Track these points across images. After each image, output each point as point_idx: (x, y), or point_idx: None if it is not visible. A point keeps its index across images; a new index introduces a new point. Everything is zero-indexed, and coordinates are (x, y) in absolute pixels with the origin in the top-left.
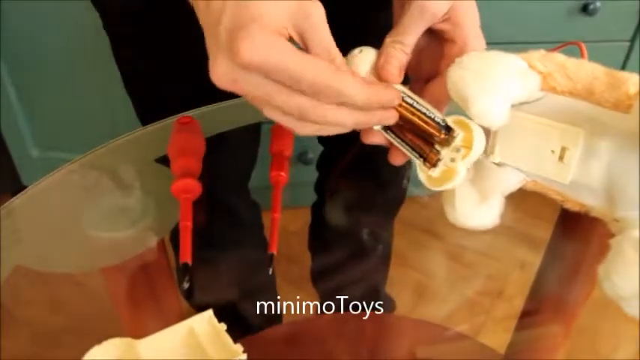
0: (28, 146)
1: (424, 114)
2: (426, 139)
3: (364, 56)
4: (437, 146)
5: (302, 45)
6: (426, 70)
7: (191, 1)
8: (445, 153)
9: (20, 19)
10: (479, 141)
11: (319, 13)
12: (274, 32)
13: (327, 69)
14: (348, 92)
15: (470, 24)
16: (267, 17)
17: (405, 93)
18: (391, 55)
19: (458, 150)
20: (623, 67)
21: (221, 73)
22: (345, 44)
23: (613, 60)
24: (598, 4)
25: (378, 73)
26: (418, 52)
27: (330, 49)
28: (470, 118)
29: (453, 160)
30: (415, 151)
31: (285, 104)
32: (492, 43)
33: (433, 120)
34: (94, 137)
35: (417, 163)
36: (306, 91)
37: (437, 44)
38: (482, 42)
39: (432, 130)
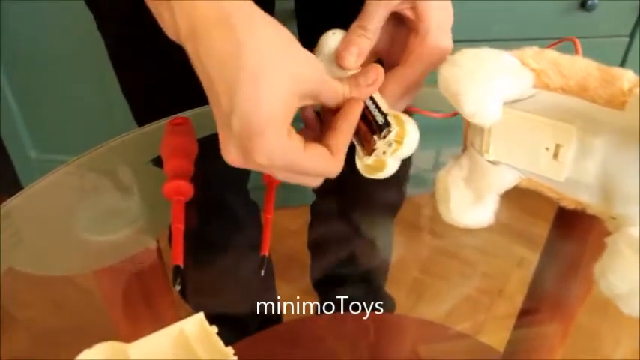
0: (26, 148)
1: (373, 104)
2: (370, 128)
3: (334, 38)
4: (375, 136)
5: (315, 101)
6: (396, 55)
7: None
8: (380, 145)
9: (19, 22)
10: (411, 140)
11: (321, 73)
12: (287, 131)
13: (326, 161)
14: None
15: (434, 18)
16: (281, 115)
17: None
18: (351, 42)
19: (390, 144)
20: (622, 63)
21: (234, 159)
22: None
23: (612, 56)
24: (596, 0)
25: (337, 57)
26: (389, 39)
27: (337, 90)
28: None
29: (384, 152)
30: (358, 136)
31: (291, 181)
32: (490, 40)
33: (378, 112)
34: (93, 139)
35: (357, 148)
36: (312, 178)
37: (406, 33)
38: (448, 38)
39: (374, 122)
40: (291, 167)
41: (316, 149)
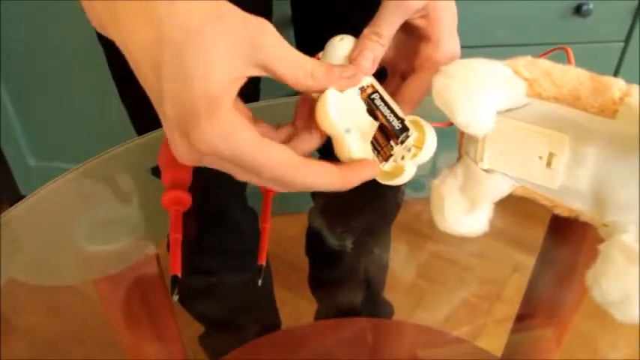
0: (25, 156)
1: (388, 109)
2: (385, 134)
3: (343, 44)
4: (392, 142)
5: (267, 73)
6: (402, 66)
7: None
8: (397, 150)
9: (17, 30)
10: (430, 144)
11: (271, 36)
12: (231, 107)
13: (288, 162)
14: (316, 184)
15: (446, 23)
16: (219, 89)
17: (374, 86)
18: (366, 47)
19: (409, 149)
20: (618, 68)
21: (182, 153)
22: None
23: (607, 61)
24: (591, 5)
25: (351, 63)
26: (395, 48)
27: (299, 63)
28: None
29: (403, 157)
30: (371, 143)
31: (250, 181)
32: (486, 46)
33: (395, 117)
34: (91, 146)
35: (372, 154)
36: (268, 181)
37: (413, 41)
38: (457, 42)
39: (390, 127)
40: (240, 160)
41: (282, 150)
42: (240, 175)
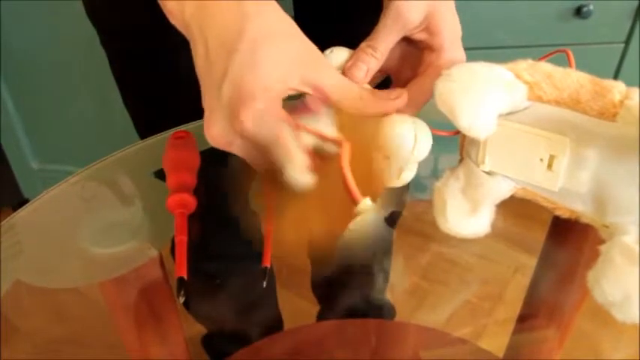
0: (28, 159)
1: None
2: None
3: (333, 56)
4: None
5: (315, 92)
6: (407, 75)
7: (188, 37)
8: None
9: (19, 33)
10: (421, 142)
11: (325, 60)
12: (280, 104)
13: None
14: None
15: (447, 31)
16: (276, 86)
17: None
18: (360, 59)
19: None
20: (618, 69)
21: (216, 133)
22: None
23: (608, 62)
24: (591, 6)
25: (345, 73)
26: (399, 57)
27: (348, 85)
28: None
29: None
30: None
31: (263, 165)
32: (486, 48)
33: None
34: (94, 149)
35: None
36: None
37: (417, 51)
38: (461, 51)
39: None
40: (275, 142)
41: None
42: (265, 165)
